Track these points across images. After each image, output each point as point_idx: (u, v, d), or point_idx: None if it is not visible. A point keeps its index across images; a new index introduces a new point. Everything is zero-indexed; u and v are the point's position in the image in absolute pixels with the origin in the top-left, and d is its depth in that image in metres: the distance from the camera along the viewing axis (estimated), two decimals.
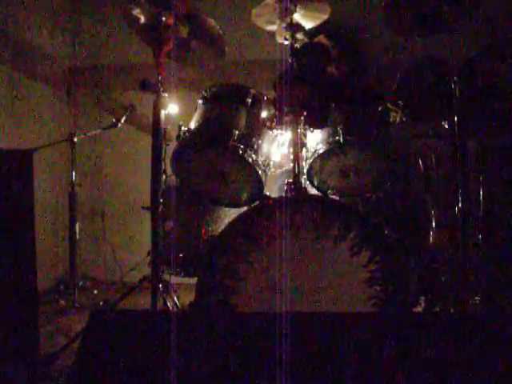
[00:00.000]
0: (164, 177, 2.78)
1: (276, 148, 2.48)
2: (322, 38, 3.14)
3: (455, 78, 2.30)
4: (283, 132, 2.41)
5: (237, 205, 2.50)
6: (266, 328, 1.59)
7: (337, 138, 2.29)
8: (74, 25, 4.15)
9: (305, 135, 2.41)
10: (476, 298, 2.53)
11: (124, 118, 3.25)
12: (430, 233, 2.71)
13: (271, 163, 2.44)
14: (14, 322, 1.91)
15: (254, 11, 2.60)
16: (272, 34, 2.70)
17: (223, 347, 1.57)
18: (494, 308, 2.55)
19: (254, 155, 2.31)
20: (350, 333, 1.60)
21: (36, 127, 3.66)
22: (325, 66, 2.48)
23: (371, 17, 3.27)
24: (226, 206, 2.60)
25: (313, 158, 2.36)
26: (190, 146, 2.40)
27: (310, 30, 2.63)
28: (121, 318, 1.73)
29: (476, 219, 2.64)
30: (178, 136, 2.40)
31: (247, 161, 2.30)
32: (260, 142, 2.36)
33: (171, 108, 2.43)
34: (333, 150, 2.32)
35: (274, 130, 2.39)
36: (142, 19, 2.36)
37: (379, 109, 2.40)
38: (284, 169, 2.66)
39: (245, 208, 2.37)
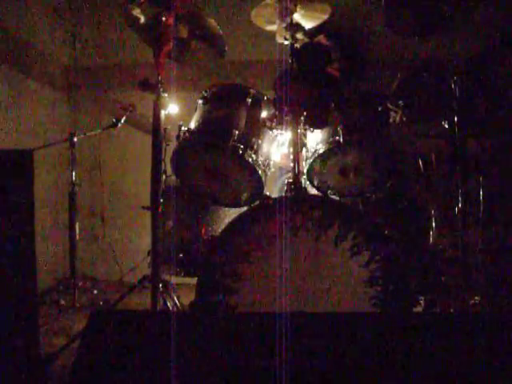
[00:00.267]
0: (164, 177, 2.79)
1: (276, 148, 2.48)
2: (321, 38, 3.14)
3: (455, 77, 2.31)
4: (283, 132, 2.41)
5: (237, 205, 2.50)
6: (266, 328, 1.59)
7: (337, 138, 2.29)
8: (73, 25, 4.14)
9: (305, 135, 2.41)
10: (476, 297, 2.54)
11: (124, 118, 3.25)
12: (429, 233, 2.71)
13: (271, 163, 2.44)
14: (14, 322, 1.91)
15: (253, 11, 2.60)
16: (272, 34, 2.70)
17: (223, 347, 1.57)
18: (493, 308, 2.55)
19: (254, 155, 2.32)
20: (350, 333, 1.60)
21: (36, 127, 3.66)
22: (325, 66, 2.48)
23: (371, 17, 3.28)
24: (226, 206, 2.60)
25: (313, 157, 2.36)
26: (190, 146, 2.40)
27: (310, 30, 2.63)
28: (121, 318, 1.73)
29: (476, 219, 2.64)
30: (178, 136, 2.40)
31: (247, 161, 2.30)
32: (260, 142, 2.36)
33: (171, 108, 2.43)
34: (333, 149, 2.32)
35: (273, 130, 2.39)
36: (142, 19, 2.36)
37: (379, 109, 2.40)
38: (284, 169, 2.66)
39: (245, 208, 2.37)
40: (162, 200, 2.37)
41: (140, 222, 3.77)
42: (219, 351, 1.56)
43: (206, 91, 2.45)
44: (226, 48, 2.50)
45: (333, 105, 2.34)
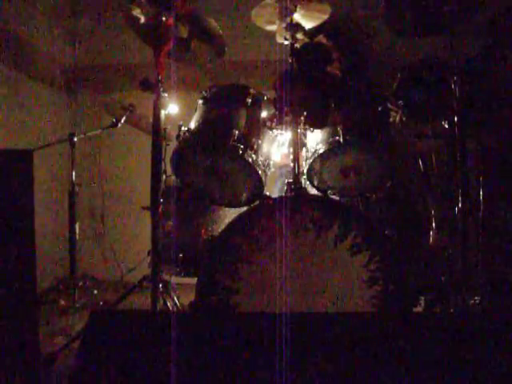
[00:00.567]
0: (164, 177, 2.79)
1: (276, 148, 2.48)
2: (321, 38, 3.14)
3: (455, 77, 2.31)
4: (283, 132, 2.41)
5: (237, 205, 2.50)
6: (266, 328, 1.59)
7: (337, 138, 2.29)
8: (74, 25, 4.15)
9: (305, 135, 2.41)
10: (476, 297, 2.53)
11: (124, 118, 3.25)
12: (429, 233, 2.71)
13: (271, 163, 2.44)
14: (14, 322, 1.91)
15: (253, 11, 2.60)
16: (272, 34, 2.70)
17: (223, 347, 1.57)
18: (493, 308, 2.55)
19: (254, 155, 2.32)
20: (350, 333, 1.60)
21: (36, 127, 3.66)
22: (325, 66, 2.48)
23: (371, 17, 3.27)
24: (226, 206, 2.60)
25: (313, 158, 2.36)
26: (190, 146, 2.40)
27: (310, 30, 2.63)
28: (121, 318, 1.73)
29: (476, 219, 2.64)
30: (178, 136, 2.40)
31: (247, 161, 2.30)
32: (260, 142, 2.36)
33: (171, 108, 2.43)
34: (333, 149, 2.32)
35: (273, 130, 2.39)
36: (142, 19, 2.36)
37: (379, 109, 2.40)
38: (284, 169, 2.66)
39: (245, 208, 2.37)
40: (161, 200, 2.37)
41: (140, 222, 3.77)
42: (219, 351, 1.56)
43: (205, 91, 2.45)
44: (226, 48, 2.50)
45: (333, 105, 2.34)
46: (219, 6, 3.73)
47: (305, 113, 2.33)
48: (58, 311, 3.33)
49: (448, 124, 2.46)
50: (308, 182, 2.44)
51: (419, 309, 2.50)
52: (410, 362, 1.51)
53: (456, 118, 2.32)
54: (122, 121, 3.25)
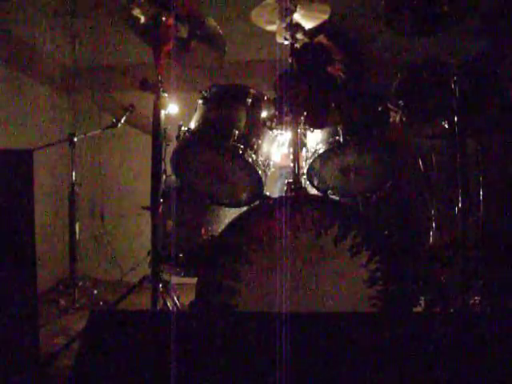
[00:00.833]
0: (164, 177, 2.79)
1: (276, 148, 2.48)
2: (321, 38, 3.14)
3: (455, 77, 2.31)
4: (283, 132, 2.41)
5: (237, 205, 2.50)
6: (266, 328, 1.59)
7: (337, 137, 2.30)
8: (73, 25, 4.14)
9: (305, 135, 2.41)
10: (476, 297, 2.53)
11: (124, 118, 3.25)
12: (429, 233, 2.71)
13: (271, 163, 2.44)
14: (14, 322, 1.91)
15: (253, 11, 2.60)
16: (272, 34, 2.70)
17: (223, 347, 1.57)
18: (494, 308, 2.55)
19: (254, 155, 2.32)
20: (350, 333, 1.60)
21: (36, 127, 3.66)
22: (325, 66, 2.48)
23: (371, 17, 3.27)
24: (226, 206, 2.60)
25: (313, 158, 2.36)
26: (190, 145, 2.40)
27: (310, 30, 2.63)
28: (121, 318, 1.73)
29: (476, 219, 2.64)
30: (178, 136, 2.40)
31: (247, 161, 2.30)
32: (260, 142, 2.36)
33: (171, 108, 2.43)
34: (333, 149, 2.32)
35: (273, 130, 2.38)
36: (142, 19, 2.36)
37: (379, 109, 2.40)
38: (284, 169, 2.66)
39: (245, 208, 2.37)
40: (161, 200, 2.37)
41: (140, 222, 3.77)
42: (219, 351, 1.56)
43: (205, 91, 2.45)
44: (226, 48, 2.50)
45: (333, 105, 2.34)
46: (219, 6, 3.73)
47: (305, 113, 2.33)
48: (58, 311, 3.33)
49: (448, 124, 2.46)
50: (308, 182, 2.44)
51: (419, 309, 2.50)
52: (409, 362, 1.51)
53: (456, 118, 2.32)
54: (122, 121, 3.26)
